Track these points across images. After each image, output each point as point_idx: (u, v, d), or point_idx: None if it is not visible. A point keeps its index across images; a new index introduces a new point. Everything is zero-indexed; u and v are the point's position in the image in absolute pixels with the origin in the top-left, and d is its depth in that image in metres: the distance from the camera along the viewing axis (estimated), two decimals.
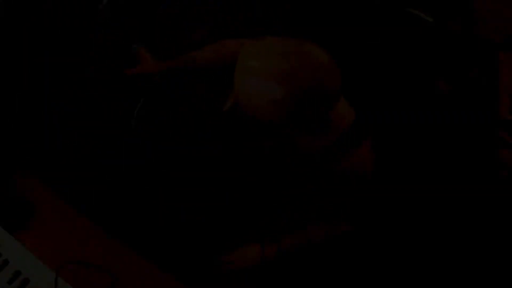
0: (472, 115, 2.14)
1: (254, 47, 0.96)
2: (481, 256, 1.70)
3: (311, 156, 1.10)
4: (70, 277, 1.06)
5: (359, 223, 1.27)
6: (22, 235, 1.13)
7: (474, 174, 1.91)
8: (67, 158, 1.50)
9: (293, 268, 1.24)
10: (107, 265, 1.09)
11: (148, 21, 1.85)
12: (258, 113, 0.94)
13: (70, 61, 1.58)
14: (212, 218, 1.26)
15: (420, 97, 2.27)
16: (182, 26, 1.93)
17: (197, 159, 1.29)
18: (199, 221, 1.27)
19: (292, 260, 1.19)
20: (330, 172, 1.12)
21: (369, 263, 1.54)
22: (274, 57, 0.92)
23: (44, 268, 1.07)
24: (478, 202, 1.81)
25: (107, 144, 1.30)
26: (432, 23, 2.22)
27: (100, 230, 1.17)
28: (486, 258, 1.69)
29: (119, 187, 1.31)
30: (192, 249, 1.31)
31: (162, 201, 1.30)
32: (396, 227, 1.71)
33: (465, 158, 2.01)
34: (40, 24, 1.73)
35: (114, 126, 1.32)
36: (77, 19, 1.79)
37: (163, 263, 1.13)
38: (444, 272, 1.68)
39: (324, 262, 1.24)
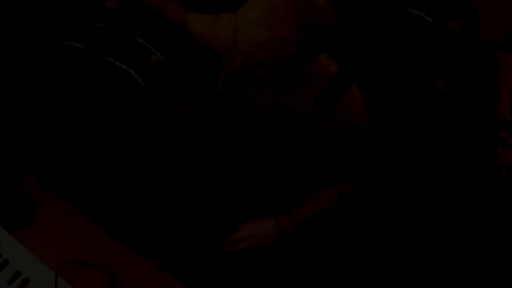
0: (472, 115, 2.14)
1: (247, 6, 1.01)
2: (481, 256, 1.70)
3: (306, 115, 1.14)
4: (70, 277, 1.06)
5: (360, 180, 1.27)
6: (22, 235, 1.13)
7: (474, 174, 1.91)
8: (67, 158, 1.50)
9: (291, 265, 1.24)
10: (107, 265, 1.09)
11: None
12: (274, 53, 0.98)
13: (70, 61, 1.58)
14: (214, 208, 1.25)
15: (419, 97, 2.27)
16: None
17: (194, 155, 1.28)
18: (201, 210, 1.26)
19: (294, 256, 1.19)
20: (327, 126, 1.15)
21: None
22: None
23: (44, 268, 1.07)
24: (478, 202, 1.81)
25: (106, 143, 1.30)
26: (432, 23, 2.22)
27: (100, 230, 1.17)
28: (486, 258, 1.68)
29: (119, 187, 1.31)
30: (193, 246, 1.31)
31: (161, 199, 1.30)
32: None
33: (465, 158, 2.01)
34: (40, 23, 1.73)
35: (114, 125, 1.32)
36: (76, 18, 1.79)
37: (163, 262, 1.13)
38: (445, 272, 1.68)
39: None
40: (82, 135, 1.48)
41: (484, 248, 1.70)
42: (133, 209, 1.34)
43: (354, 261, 1.46)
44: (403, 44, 2.27)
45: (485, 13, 2.36)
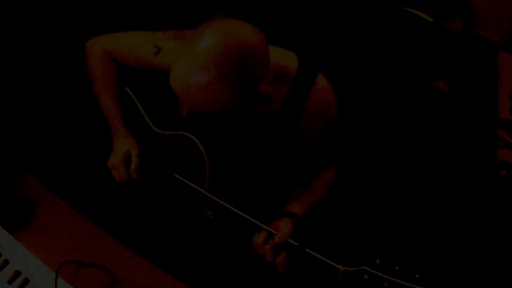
0: (472, 115, 2.14)
1: (179, 48, 0.99)
2: (481, 255, 1.70)
3: (277, 116, 1.15)
4: (70, 277, 1.06)
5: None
6: (22, 235, 1.13)
7: (475, 173, 1.91)
8: (67, 158, 1.50)
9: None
10: (107, 264, 1.09)
11: None
12: (202, 105, 0.98)
13: (71, 61, 1.58)
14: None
15: (419, 97, 2.27)
16: None
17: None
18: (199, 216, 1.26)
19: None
20: (300, 122, 1.16)
21: None
22: (194, 52, 0.94)
23: (44, 268, 1.07)
24: (478, 202, 1.82)
25: (106, 143, 1.30)
26: (432, 23, 2.22)
27: (100, 230, 1.17)
28: (486, 257, 1.68)
29: (119, 187, 1.31)
30: (192, 246, 1.31)
31: (161, 199, 1.30)
32: None
33: (465, 157, 2.01)
34: (40, 23, 1.73)
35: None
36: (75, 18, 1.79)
37: (162, 262, 1.13)
38: (444, 270, 1.68)
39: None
40: (84, 134, 1.48)
41: (484, 247, 1.70)
42: (134, 208, 1.34)
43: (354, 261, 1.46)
44: (403, 44, 2.27)
45: (485, 13, 2.36)
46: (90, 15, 1.82)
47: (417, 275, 0.93)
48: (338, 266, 1.01)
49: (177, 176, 1.21)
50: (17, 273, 1.05)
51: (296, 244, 1.08)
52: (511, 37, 2.32)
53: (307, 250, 1.05)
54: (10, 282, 1.04)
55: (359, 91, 2.14)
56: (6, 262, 1.07)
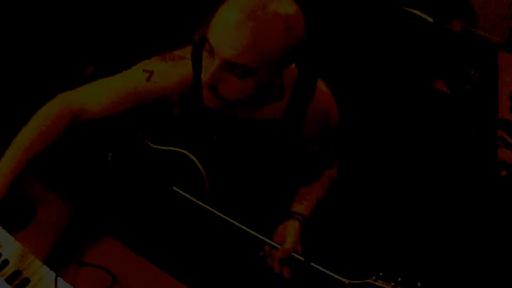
0: (472, 115, 2.14)
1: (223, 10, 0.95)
2: (481, 254, 1.70)
3: (277, 124, 1.15)
4: (70, 277, 1.06)
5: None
6: (22, 235, 1.13)
7: (474, 174, 1.91)
8: (67, 158, 1.50)
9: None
10: (107, 265, 1.09)
11: None
12: (259, 54, 0.94)
13: (71, 60, 1.59)
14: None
15: (419, 97, 2.27)
16: None
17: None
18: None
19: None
20: (300, 129, 1.16)
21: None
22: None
23: (44, 268, 1.07)
24: (478, 202, 1.82)
25: (106, 143, 1.30)
26: (432, 23, 2.23)
27: (100, 230, 1.17)
28: (486, 256, 1.69)
29: (119, 187, 1.31)
30: (192, 246, 1.31)
31: (161, 200, 1.30)
32: None
33: (465, 158, 2.01)
34: (40, 23, 1.74)
35: (113, 126, 1.32)
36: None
37: (162, 262, 1.13)
38: (445, 269, 1.68)
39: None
40: (84, 134, 1.48)
41: (484, 246, 1.70)
42: (133, 209, 1.34)
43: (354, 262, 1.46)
44: (403, 45, 2.27)
45: (485, 13, 2.36)
46: (90, 17, 1.82)
47: (419, 284, 0.94)
48: (343, 279, 1.02)
49: (177, 190, 1.20)
50: (17, 273, 1.05)
51: (302, 258, 1.08)
52: (511, 37, 2.32)
53: (312, 264, 1.06)
54: (10, 282, 1.04)
55: (359, 91, 2.15)
56: (6, 262, 1.07)
